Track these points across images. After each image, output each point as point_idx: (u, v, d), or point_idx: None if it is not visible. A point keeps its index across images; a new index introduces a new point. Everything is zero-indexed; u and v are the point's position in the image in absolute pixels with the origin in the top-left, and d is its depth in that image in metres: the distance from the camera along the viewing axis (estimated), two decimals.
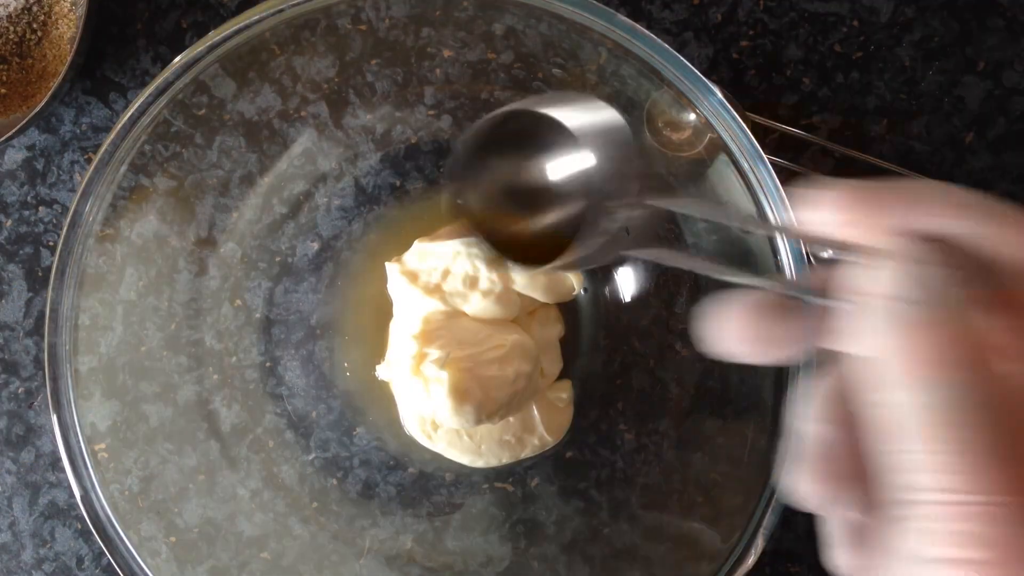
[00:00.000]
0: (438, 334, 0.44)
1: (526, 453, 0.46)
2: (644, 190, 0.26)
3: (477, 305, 0.45)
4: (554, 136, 0.27)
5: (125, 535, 0.40)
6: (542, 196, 0.30)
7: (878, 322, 0.18)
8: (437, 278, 0.45)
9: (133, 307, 0.43)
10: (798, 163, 0.49)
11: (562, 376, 0.48)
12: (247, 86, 0.42)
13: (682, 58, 0.35)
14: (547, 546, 0.45)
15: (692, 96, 0.35)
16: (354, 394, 0.48)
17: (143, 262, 0.43)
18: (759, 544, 0.37)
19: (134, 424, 0.42)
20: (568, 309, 0.48)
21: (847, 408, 0.20)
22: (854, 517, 0.20)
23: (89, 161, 0.51)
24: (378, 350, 0.48)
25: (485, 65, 0.44)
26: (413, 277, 0.46)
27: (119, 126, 0.34)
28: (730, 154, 0.36)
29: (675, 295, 0.45)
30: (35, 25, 0.49)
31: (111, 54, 0.51)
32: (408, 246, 0.46)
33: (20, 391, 0.52)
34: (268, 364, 0.47)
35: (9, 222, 0.51)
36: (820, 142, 0.49)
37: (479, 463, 0.46)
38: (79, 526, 0.52)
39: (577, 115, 0.26)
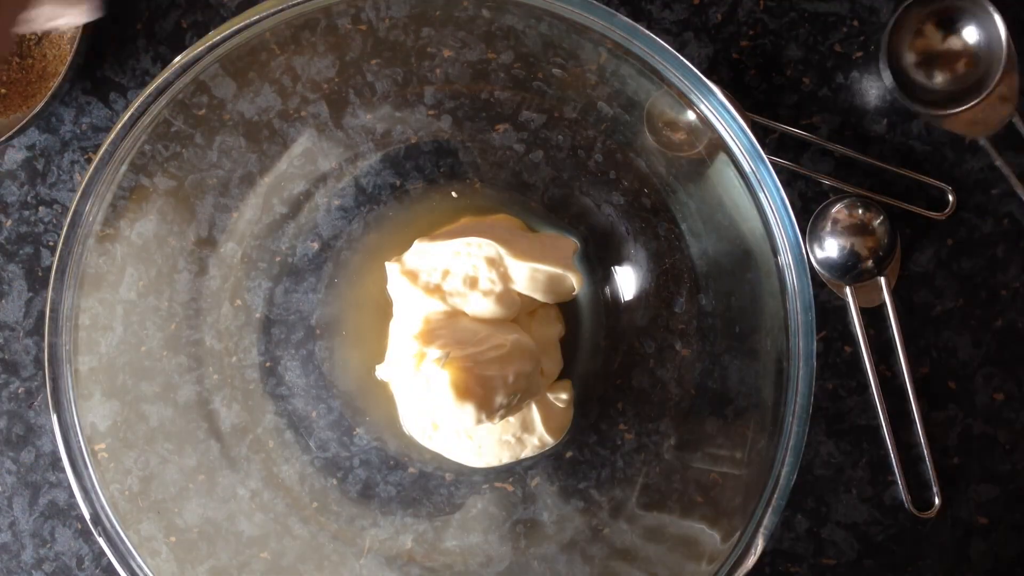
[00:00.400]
0: (438, 334, 0.44)
1: (526, 453, 0.46)
2: None
3: (477, 305, 0.45)
4: None
5: (125, 535, 0.40)
6: None
7: None
8: (437, 278, 0.45)
9: (133, 307, 0.43)
10: (798, 163, 0.49)
11: (562, 376, 0.48)
12: (247, 86, 0.42)
13: (682, 58, 0.35)
14: (547, 546, 0.45)
15: (692, 96, 0.35)
16: (354, 394, 0.48)
17: (143, 262, 0.43)
18: (759, 544, 0.37)
19: (134, 424, 0.42)
20: (568, 309, 0.48)
21: None
22: None
23: (89, 161, 0.51)
24: (378, 350, 0.48)
25: (485, 65, 0.44)
26: (413, 277, 0.46)
27: (119, 126, 0.34)
28: (730, 154, 0.36)
29: (675, 295, 0.45)
30: None
31: (111, 54, 0.51)
32: (408, 246, 0.46)
33: (20, 391, 0.52)
34: (268, 364, 0.47)
35: (9, 222, 0.51)
36: (820, 142, 0.49)
37: (479, 463, 0.46)
38: (79, 526, 0.52)
39: None
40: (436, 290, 0.45)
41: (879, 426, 0.49)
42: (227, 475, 0.44)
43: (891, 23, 0.47)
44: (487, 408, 0.42)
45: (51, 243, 0.51)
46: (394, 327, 0.47)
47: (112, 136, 0.34)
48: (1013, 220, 0.49)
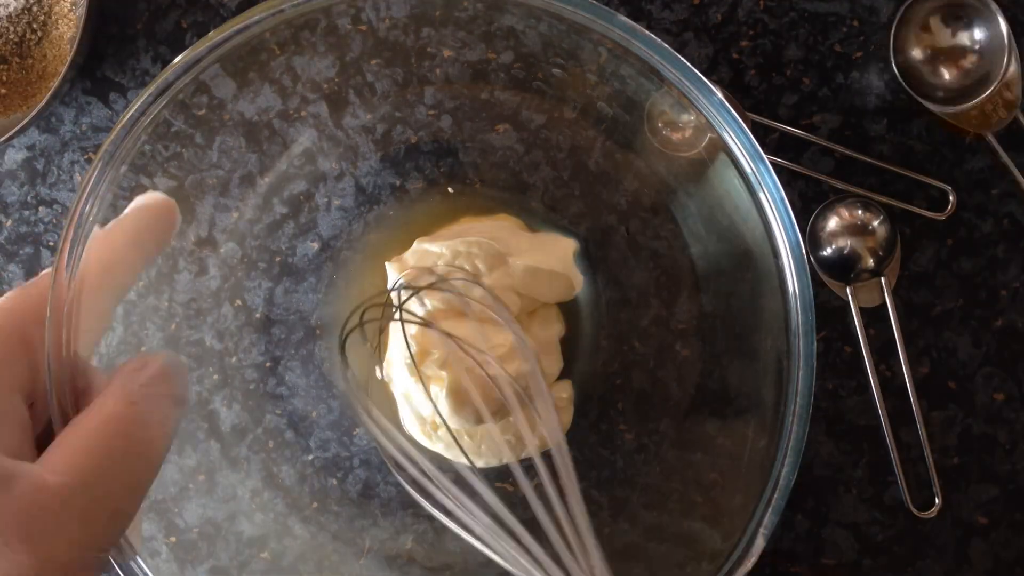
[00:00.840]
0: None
1: (527, 452, 0.46)
2: None
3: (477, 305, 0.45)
4: None
5: (130, 539, 0.40)
6: None
7: None
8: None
9: (133, 307, 0.43)
10: (798, 163, 0.49)
11: (562, 376, 0.48)
12: (247, 86, 0.42)
13: (682, 58, 0.35)
14: (547, 546, 0.45)
15: (692, 97, 0.35)
16: None
17: None
18: (759, 544, 0.37)
19: None
20: (568, 309, 0.48)
21: None
22: None
23: (89, 161, 0.51)
24: (378, 350, 0.48)
25: (485, 65, 0.44)
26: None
27: (119, 127, 0.34)
28: (730, 154, 0.36)
29: (675, 295, 0.45)
30: (35, 25, 0.49)
31: (111, 54, 0.51)
32: (408, 246, 0.46)
33: None
34: (268, 364, 0.47)
35: (9, 222, 0.51)
36: (820, 142, 0.49)
37: (479, 463, 0.46)
38: None
39: None
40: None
41: (879, 426, 0.49)
42: (227, 475, 0.44)
43: (896, 18, 0.47)
44: (487, 408, 0.42)
45: (51, 243, 0.51)
46: (394, 327, 0.47)
47: (112, 136, 0.34)
48: (1013, 220, 0.49)
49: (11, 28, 0.49)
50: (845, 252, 0.48)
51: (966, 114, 0.47)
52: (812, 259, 0.49)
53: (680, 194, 0.44)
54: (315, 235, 0.47)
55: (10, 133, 0.46)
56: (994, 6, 0.46)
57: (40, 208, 0.51)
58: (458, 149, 0.47)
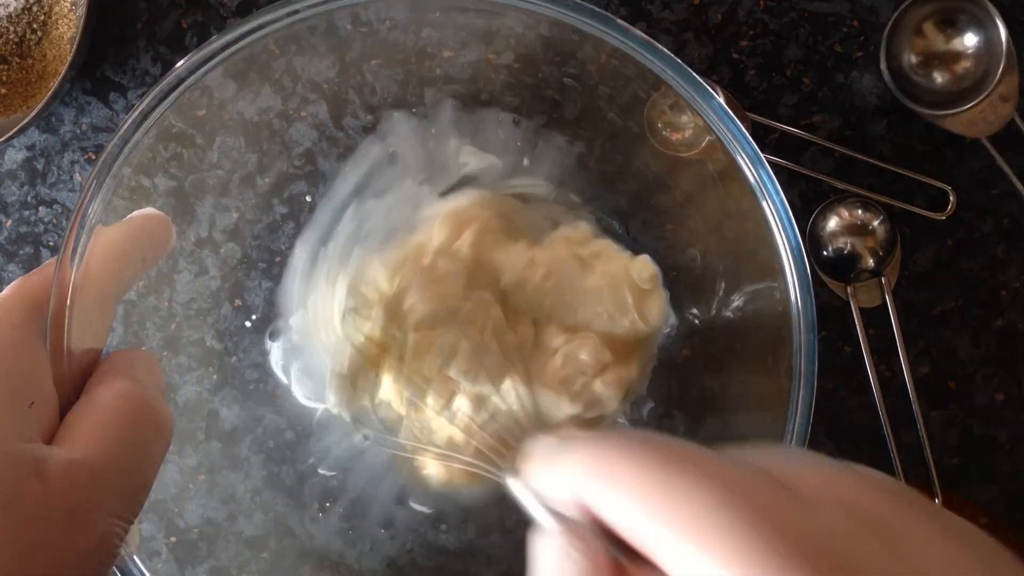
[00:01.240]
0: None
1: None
2: None
3: None
4: None
5: (127, 538, 0.40)
6: None
7: None
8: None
9: (133, 307, 0.43)
10: (798, 163, 0.49)
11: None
12: (247, 87, 0.42)
13: (683, 64, 0.35)
14: None
15: (693, 102, 0.35)
16: None
17: None
18: None
19: None
20: None
21: None
22: None
23: (89, 161, 0.51)
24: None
25: (485, 66, 0.44)
26: None
27: (119, 133, 0.34)
28: (730, 156, 0.36)
29: (674, 296, 0.45)
30: (35, 25, 0.49)
31: (111, 54, 0.51)
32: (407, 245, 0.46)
33: None
34: (268, 364, 0.47)
35: (9, 222, 0.51)
36: (820, 142, 0.49)
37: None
38: None
39: None
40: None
41: (879, 426, 0.49)
42: (227, 475, 0.45)
43: (890, 23, 0.47)
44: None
45: (51, 243, 0.51)
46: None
47: (113, 142, 0.34)
48: (1013, 220, 0.49)
49: (11, 28, 0.49)
50: (845, 252, 0.48)
51: (962, 118, 0.47)
52: (812, 259, 0.49)
53: (679, 195, 0.44)
54: None
55: (10, 133, 0.46)
56: (992, 9, 0.46)
57: (40, 208, 0.51)
58: None
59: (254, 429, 0.46)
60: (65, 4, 0.49)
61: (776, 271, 0.37)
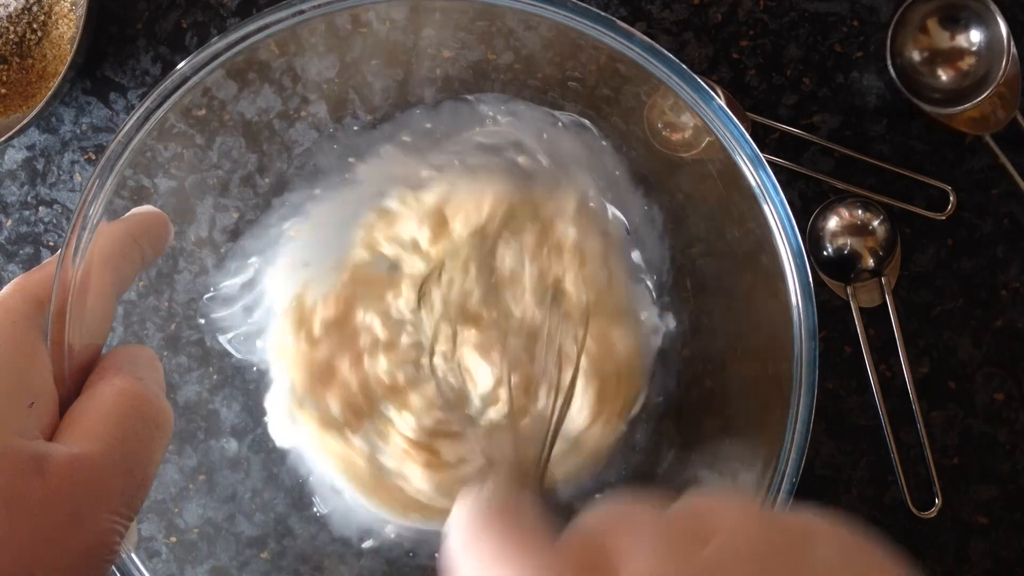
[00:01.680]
0: None
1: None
2: None
3: None
4: None
5: (126, 537, 0.40)
6: None
7: None
8: None
9: (133, 307, 0.43)
10: (798, 163, 0.49)
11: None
12: (247, 87, 0.42)
13: (683, 66, 0.35)
14: None
15: (693, 103, 0.35)
16: None
17: None
18: None
19: None
20: None
21: None
22: None
23: (89, 161, 0.51)
24: None
25: (485, 66, 0.44)
26: None
27: (122, 132, 0.34)
28: (729, 157, 0.36)
29: (674, 296, 0.45)
30: (35, 25, 0.49)
31: (111, 54, 0.51)
32: None
33: None
34: (268, 364, 0.47)
35: (9, 222, 0.51)
36: (820, 142, 0.49)
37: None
38: None
39: None
40: None
41: (879, 426, 0.49)
42: (227, 475, 0.45)
43: (894, 20, 0.47)
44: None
45: (51, 243, 0.51)
46: None
47: (113, 145, 0.34)
48: (1013, 220, 0.49)
49: (11, 28, 0.49)
50: (845, 252, 0.48)
51: (964, 115, 0.47)
52: (812, 259, 0.49)
53: (679, 195, 0.44)
54: None
55: (10, 133, 0.46)
56: (993, 7, 0.46)
57: (40, 208, 0.51)
58: None
59: (254, 429, 0.46)
60: (65, 4, 0.49)
61: (776, 273, 0.37)
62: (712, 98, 0.35)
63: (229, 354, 0.46)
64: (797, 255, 0.35)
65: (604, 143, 0.45)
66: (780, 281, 0.36)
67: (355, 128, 0.45)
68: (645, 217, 0.45)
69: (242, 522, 0.44)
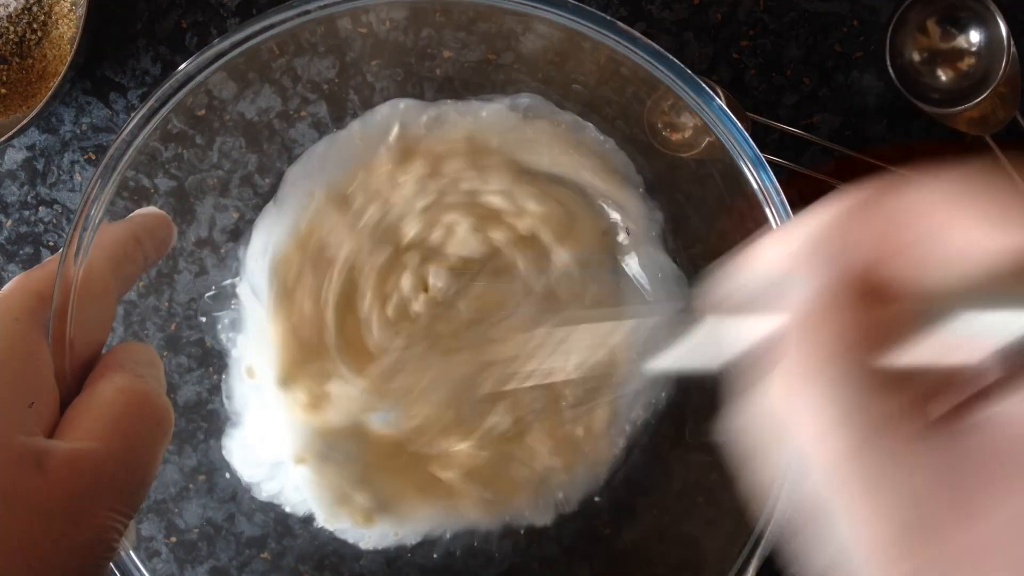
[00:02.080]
0: None
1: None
2: None
3: None
4: None
5: (125, 535, 0.40)
6: None
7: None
8: None
9: (133, 307, 0.43)
10: (798, 163, 0.49)
11: None
12: (247, 87, 0.42)
13: (684, 67, 0.35)
14: (547, 546, 0.45)
15: (693, 104, 0.35)
16: None
17: None
18: (765, 543, 0.37)
19: None
20: None
21: None
22: None
23: (89, 161, 0.51)
24: None
25: (485, 66, 0.44)
26: None
27: (126, 131, 0.34)
28: (730, 157, 0.36)
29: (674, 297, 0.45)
30: (35, 25, 0.49)
31: (111, 54, 0.51)
32: None
33: None
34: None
35: (9, 222, 0.51)
36: (820, 142, 0.49)
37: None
38: None
39: None
40: None
41: None
42: (227, 475, 0.45)
43: (893, 21, 0.47)
44: None
45: (51, 243, 0.51)
46: None
47: (114, 147, 0.34)
48: None
49: (11, 28, 0.49)
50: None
51: (964, 116, 0.47)
52: None
53: (679, 196, 0.44)
54: None
55: (10, 133, 0.46)
56: (993, 7, 0.46)
57: (40, 208, 0.51)
58: None
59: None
60: (65, 4, 0.49)
61: None
62: (712, 98, 0.35)
63: (229, 354, 0.46)
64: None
65: (604, 143, 0.45)
66: None
67: None
68: (645, 217, 0.45)
69: (242, 522, 0.44)
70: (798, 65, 0.49)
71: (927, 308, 0.19)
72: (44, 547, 0.25)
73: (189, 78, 0.36)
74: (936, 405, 0.19)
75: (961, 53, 0.48)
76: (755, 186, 0.35)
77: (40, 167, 0.51)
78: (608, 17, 0.35)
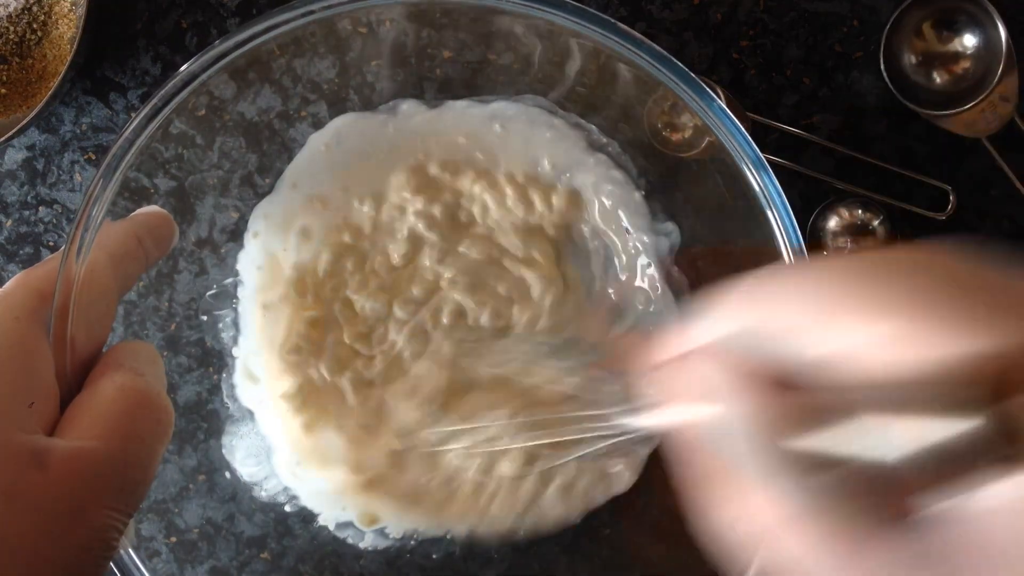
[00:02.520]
0: None
1: None
2: None
3: None
4: None
5: (125, 535, 0.40)
6: None
7: None
8: None
9: (133, 307, 0.43)
10: (798, 163, 0.49)
11: None
12: (248, 87, 0.42)
13: (684, 67, 0.35)
14: (547, 546, 0.45)
15: (694, 105, 0.35)
16: None
17: None
18: None
19: None
20: None
21: None
22: None
23: (89, 161, 0.51)
24: None
25: (485, 65, 0.44)
26: None
27: (129, 130, 0.35)
28: (730, 158, 0.36)
29: (675, 297, 0.45)
30: (35, 25, 0.49)
31: (111, 54, 0.51)
32: None
33: None
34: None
35: (9, 222, 0.51)
36: (820, 142, 0.49)
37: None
38: None
39: None
40: None
41: None
42: (227, 475, 0.45)
43: (889, 24, 0.47)
44: None
45: (51, 243, 0.51)
46: None
47: (115, 148, 0.34)
48: (1013, 221, 0.49)
49: (11, 28, 0.49)
50: (845, 252, 0.48)
51: (961, 118, 0.47)
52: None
53: (679, 196, 0.44)
54: None
55: (10, 133, 0.46)
56: (992, 9, 0.46)
57: (40, 208, 0.51)
58: None
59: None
60: (65, 4, 0.49)
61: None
62: (712, 99, 0.35)
63: (229, 353, 0.46)
64: (798, 255, 0.35)
65: (604, 144, 0.45)
66: None
67: None
68: (646, 218, 0.45)
69: (242, 522, 0.44)
70: (798, 65, 0.49)
71: (834, 402, 0.20)
72: (44, 545, 0.25)
73: (192, 78, 0.36)
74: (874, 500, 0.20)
75: (957, 56, 0.48)
76: (756, 187, 0.35)
77: (40, 167, 0.51)
78: (608, 18, 0.35)
